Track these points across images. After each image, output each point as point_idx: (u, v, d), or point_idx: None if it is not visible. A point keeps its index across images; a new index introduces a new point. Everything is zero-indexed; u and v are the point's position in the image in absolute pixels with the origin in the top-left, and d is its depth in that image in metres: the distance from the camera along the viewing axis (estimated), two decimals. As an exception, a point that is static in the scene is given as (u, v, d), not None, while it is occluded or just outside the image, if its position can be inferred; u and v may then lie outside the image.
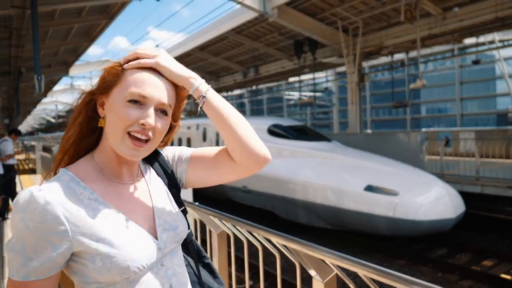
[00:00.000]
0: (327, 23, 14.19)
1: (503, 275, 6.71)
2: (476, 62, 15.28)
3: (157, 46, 15.14)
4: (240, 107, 41.52)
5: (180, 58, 21.10)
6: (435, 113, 31.53)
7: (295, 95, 32.33)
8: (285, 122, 11.96)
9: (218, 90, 26.80)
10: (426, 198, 7.59)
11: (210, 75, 23.84)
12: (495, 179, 9.53)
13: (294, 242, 1.71)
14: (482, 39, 15.99)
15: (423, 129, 19.24)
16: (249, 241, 2.23)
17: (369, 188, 7.98)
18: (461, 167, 10.84)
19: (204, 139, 13.27)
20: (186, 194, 2.85)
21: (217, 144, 12.40)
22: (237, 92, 32.24)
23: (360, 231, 8.35)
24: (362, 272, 1.41)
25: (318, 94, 32.32)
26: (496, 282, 6.44)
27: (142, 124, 0.91)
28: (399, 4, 11.43)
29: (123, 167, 1.00)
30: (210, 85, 1.09)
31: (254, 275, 6.08)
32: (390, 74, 22.35)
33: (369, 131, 26.95)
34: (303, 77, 22.14)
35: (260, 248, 2.16)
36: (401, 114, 33.09)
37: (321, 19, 13.95)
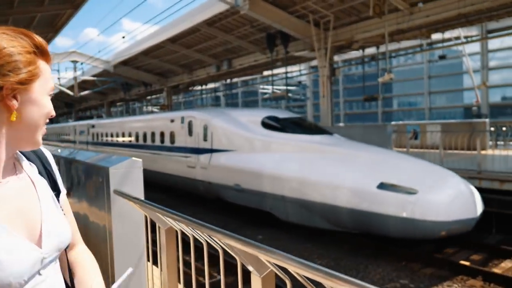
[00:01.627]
0: (299, 16, 14.21)
1: (462, 262, 6.95)
2: (442, 57, 15.68)
3: (123, 37, 14.75)
4: (215, 101, 41.26)
5: (152, 51, 20.75)
6: (406, 107, 32.23)
7: (269, 88, 32.33)
8: (281, 114, 11.21)
9: (192, 84, 26.52)
10: (448, 196, 6.87)
11: (183, 68, 23.53)
12: (457, 169, 9.81)
13: (231, 239, 1.68)
14: (448, 34, 16.41)
15: (392, 122, 19.63)
16: (195, 238, 2.20)
17: (383, 186, 7.11)
18: (426, 158, 11.09)
19: (190, 133, 12.05)
20: (137, 190, 2.78)
21: (205, 138, 11.25)
22: (211, 85, 31.96)
23: (374, 234, 7.56)
24: (292, 269, 1.40)
25: (292, 87, 32.47)
26: (456, 269, 6.66)
27: (51, 116, 0.93)
28: (368, -2, 11.56)
29: (5, 163, 0.89)
30: None
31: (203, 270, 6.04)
32: (362, 68, 22.65)
33: (341, 124, 27.29)
34: (278, 70, 22.17)
35: (205, 244, 2.13)
36: (373, 108, 33.63)
37: (292, 12, 13.96)
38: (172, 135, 13.17)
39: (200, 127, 11.58)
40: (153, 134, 14.55)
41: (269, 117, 10.57)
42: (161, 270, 2.64)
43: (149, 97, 33.74)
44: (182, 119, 12.57)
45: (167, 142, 13.42)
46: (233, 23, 16.09)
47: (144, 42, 19.94)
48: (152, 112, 31.64)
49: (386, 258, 7.41)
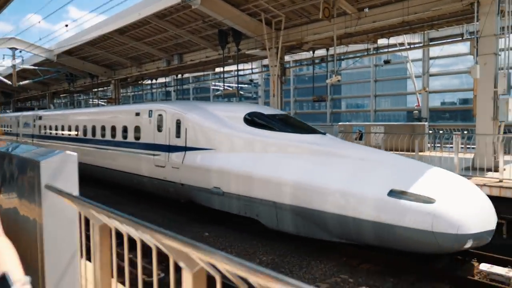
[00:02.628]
0: (251, 14, 14.28)
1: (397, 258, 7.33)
2: (387, 62, 16.45)
3: (66, 26, 14.02)
4: (166, 97, 40.48)
5: (99, 41, 19.93)
6: (353, 108, 33.49)
7: (221, 85, 32.26)
8: (265, 110, 10.23)
9: (141, 77, 25.80)
10: (469, 206, 6.17)
11: (131, 61, 22.82)
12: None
13: (162, 235, 1.65)
14: (393, 41, 17.25)
15: (340, 123, 20.30)
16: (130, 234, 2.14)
17: (394, 194, 6.31)
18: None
19: (160, 128, 10.71)
20: (71, 185, 2.66)
21: (177, 134, 10.07)
22: (161, 80, 31.27)
23: (381, 246, 6.80)
24: (219, 265, 1.40)
25: (244, 85, 32.56)
26: (391, 265, 7.01)
27: None
28: (318, 1, 11.85)
29: None
30: None
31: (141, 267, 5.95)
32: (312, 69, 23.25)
33: (291, 123, 27.71)
34: (230, 68, 22.13)
35: (138, 241, 2.08)
36: (323, 108, 34.60)
37: (244, 10, 14.00)
38: (137, 130, 11.73)
39: (171, 122, 10.33)
40: (113, 128, 12.99)
41: (252, 114, 9.52)
42: (94, 266, 2.56)
43: (95, 90, 32.39)
44: (150, 112, 11.19)
45: (130, 138, 12.00)
46: (184, 17, 15.85)
47: (91, 32, 19.09)
48: (105, 104, 30.32)
49: (328, 255, 7.63)
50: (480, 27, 9.91)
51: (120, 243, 2.40)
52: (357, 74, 31.03)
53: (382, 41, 16.82)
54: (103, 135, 13.61)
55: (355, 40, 15.34)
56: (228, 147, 9.08)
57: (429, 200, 6.07)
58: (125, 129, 12.36)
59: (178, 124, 10.13)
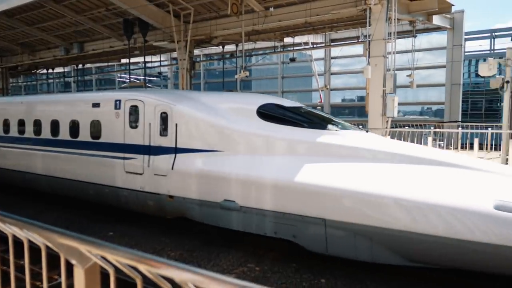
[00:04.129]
0: (158, 4, 13.90)
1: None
2: (292, 60, 17.27)
3: None
4: (65, 88, 37.51)
5: (-18, 23, 17.70)
6: (262, 104, 34.60)
7: (128, 77, 30.89)
8: (282, 101, 8.23)
9: (35, 66, 23.55)
10: None
11: (23, 48, 20.69)
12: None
13: (49, 232, 1.58)
14: (299, 40, 18.17)
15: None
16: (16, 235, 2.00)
17: (503, 207, 5.00)
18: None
19: (133, 124, 8.34)
20: None
21: (163, 132, 7.89)
22: (59, 70, 28.85)
23: (482, 272, 5.45)
24: (110, 256, 1.39)
25: (153, 78, 31.56)
26: (293, 250, 7.43)
27: None
28: (227, -4, 11.99)
29: None
30: None
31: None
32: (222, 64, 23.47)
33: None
34: (138, 59, 21.30)
35: (25, 241, 1.95)
36: (233, 103, 35.23)
37: (151, 0, 13.56)
38: (95, 126, 9.09)
39: (153, 116, 8.02)
40: (55, 124, 9.96)
41: (268, 106, 7.59)
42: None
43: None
44: (118, 103, 8.64)
45: (85, 137, 9.28)
46: (85, 3, 14.84)
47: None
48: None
49: (236, 247, 7.81)
50: (371, 32, 10.92)
51: (6, 250, 2.21)
52: (266, 71, 32.06)
53: (288, 40, 17.61)
54: (38, 133, 10.38)
55: (262, 38, 15.85)
56: (243, 148, 7.20)
57: None
58: (75, 125, 9.53)
59: (164, 118, 7.91)
